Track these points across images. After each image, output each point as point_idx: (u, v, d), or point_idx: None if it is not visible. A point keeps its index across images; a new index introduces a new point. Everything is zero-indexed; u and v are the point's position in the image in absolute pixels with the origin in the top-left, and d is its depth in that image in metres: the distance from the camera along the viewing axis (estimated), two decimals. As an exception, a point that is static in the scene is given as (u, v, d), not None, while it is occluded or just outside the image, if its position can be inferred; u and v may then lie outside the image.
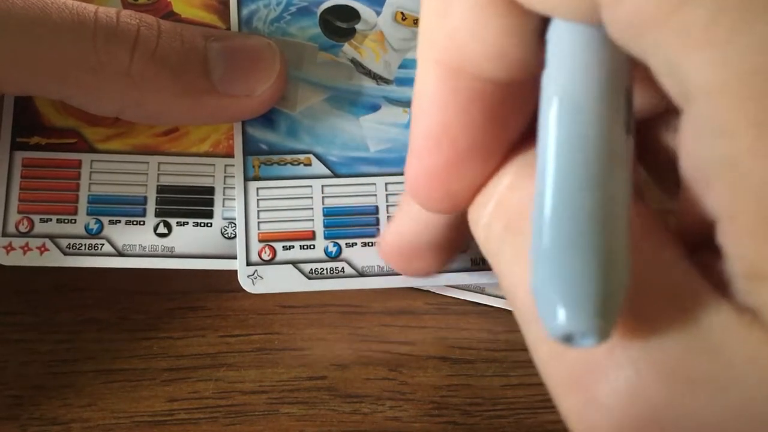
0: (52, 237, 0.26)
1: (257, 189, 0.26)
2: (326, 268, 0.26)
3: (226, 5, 0.27)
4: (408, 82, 0.27)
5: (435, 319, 0.29)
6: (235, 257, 0.26)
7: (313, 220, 0.26)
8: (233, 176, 0.26)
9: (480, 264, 0.26)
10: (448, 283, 0.27)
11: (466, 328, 0.28)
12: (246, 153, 0.26)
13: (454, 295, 0.29)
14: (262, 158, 0.26)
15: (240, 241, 0.26)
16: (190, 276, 0.29)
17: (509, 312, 0.29)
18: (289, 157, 0.26)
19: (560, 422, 0.27)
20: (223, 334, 0.28)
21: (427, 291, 0.29)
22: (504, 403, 0.27)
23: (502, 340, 0.28)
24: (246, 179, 0.26)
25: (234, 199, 0.26)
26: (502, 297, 0.29)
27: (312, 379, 0.27)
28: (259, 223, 0.26)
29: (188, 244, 0.26)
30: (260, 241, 0.26)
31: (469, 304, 0.29)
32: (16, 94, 0.26)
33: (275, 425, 0.26)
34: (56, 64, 0.23)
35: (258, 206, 0.26)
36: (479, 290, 0.29)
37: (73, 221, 0.26)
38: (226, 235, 0.26)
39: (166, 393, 0.27)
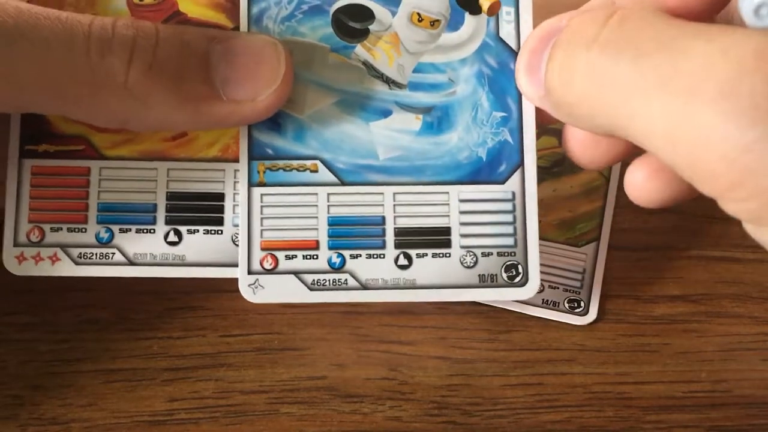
0: (63, 246, 0.25)
1: (261, 195, 0.25)
2: (329, 280, 0.25)
3: (236, 3, 0.25)
4: (422, 87, 0.26)
5: (435, 319, 0.29)
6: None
7: (317, 229, 0.25)
8: (239, 181, 0.25)
9: (488, 280, 0.26)
10: (453, 298, 0.26)
11: (465, 328, 0.28)
12: (251, 158, 0.25)
13: (453, 295, 0.29)
14: (268, 163, 0.25)
15: (242, 249, 0.25)
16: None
17: (509, 312, 0.29)
18: (295, 163, 0.25)
19: (559, 422, 0.27)
20: (223, 334, 0.28)
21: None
22: (504, 403, 0.27)
23: (501, 340, 0.28)
24: (250, 185, 0.25)
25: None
26: (501, 297, 0.29)
27: (312, 379, 0.27)
28: (262, 230, 0.25)
29: (199, 252, 0.26)
30: (263, 249, 0.25)
31: (469, 304, 0.29)
32: (12, 111, 0.25)
33: (275, 425, 0.26)
34: (49, 79, 0.22)
35: (262, 213, 0.25)
36: (479, 290, 0.29)
37: (83, 230, 0.25)
38: (236, 242, 0.26)
39: (166, 393, 0.27)
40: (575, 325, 0.28)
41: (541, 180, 0.32)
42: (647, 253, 0.30)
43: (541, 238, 0.30)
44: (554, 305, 0.29)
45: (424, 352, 0.28)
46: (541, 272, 0.29)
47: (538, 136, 0.32)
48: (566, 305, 0.29)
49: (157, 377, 0.27)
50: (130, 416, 0.26)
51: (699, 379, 0.28)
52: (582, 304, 0.29)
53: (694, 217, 0.32)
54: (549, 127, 0.34)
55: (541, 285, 0.29)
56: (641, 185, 0.23)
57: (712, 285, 0.30)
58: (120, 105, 0.23)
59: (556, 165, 0.32)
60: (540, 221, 0.30)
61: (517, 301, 0.29)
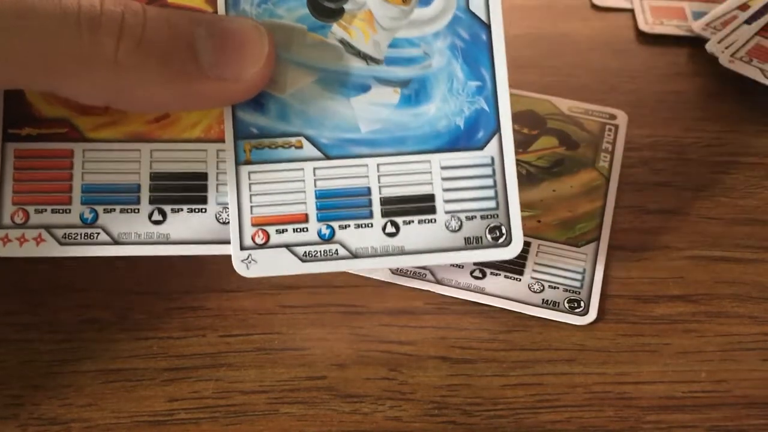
0: (47, 227, 0.26)
1: (249, 173, 0.26)
2: (320, 251, 0.26)
3: None
4: (398, 61, 0.26)
5: (435, 319, 0.29)
6: (230, 242, 0.26)
7: (305, 202, 0.26)
8: (225, 161, 0.26)
9: (473, 243, 0.26)
10: (441, 261, 0.27)
11: (465, 327, 0.28)
12: (237, 137, 0.26)
13: (453, 295, 0.29)
14: (253, 142, 0.26)
15: (233, 225, 0.26)
16: (191, 275, 0.29)
17: (509, 312, 0.29)
18: (280, 140, 0.26)
19: (559, 422, 0.27)
20: (223, 334, 0.28)
21: (427, 291, 0.29)
22: (504, 403, 0.27)
23: (501, 340, 0.28)
24: (237, 163, 0.26)
25: (227, 184, 0.26)
26: (501, 296, 0.29)
27: (312, 379, 0.27)
28: (251, 207, 0.26)
29: (183, 231, 0.26)
30: (253, 225, 0.26)
31: (469, 304, 0.29)
32: (2, 88, 0.26)
33: (275, 425, 0.26)
34: (41, 55, 0.23)
35: (250, 190, 0.26)
36: (479, 290, 0.29)
37: (67, 211, 0.26)
38: (221, 220, 0.26)
39: (166, 393, 0.27)
40: (575, 325, 0.28)
41: (540, 180, 0.32)
42: (647, 253, 0.30)
43: (541, 238, 0.30)
44: (554, 305, 0.29)
45: (424, 352, 0.28)
46: (541, 272, 0.29)
47: (538, 136, 0.32)
48: (566, 305, 0.29)
49: (157, 377, 0.27)
50: (130, 416, 0.26)
51: (699, 379, 0.28)
52: (582, 304, 0.29)
53: (694, 217, 0.32)
54: (548, 128, 0.34)
55: (541, 285, 0.29)
56: None
57: (712, 285, 0.30)
58: (108, 81, 0.24)
59: (556, 165, 0.32)
60: (540, 221, 0.30)
61: (517, 301, 0.29)
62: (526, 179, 0.30)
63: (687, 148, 0.33)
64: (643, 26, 0.40)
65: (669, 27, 0.40)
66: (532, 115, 0.33)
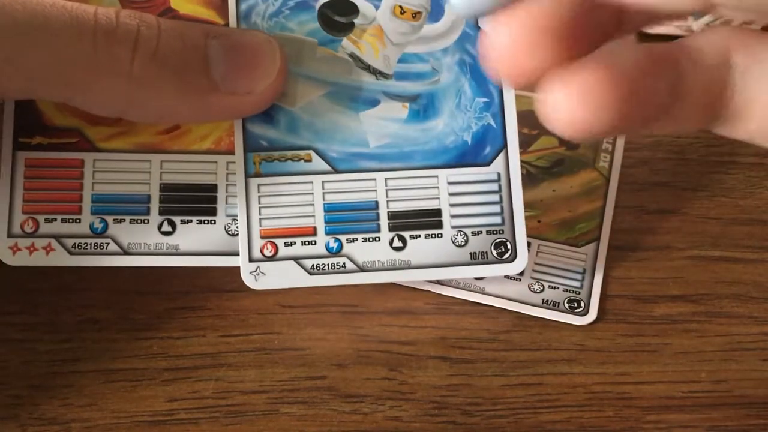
0: (57, 237, 0.26)
1: (258, 185, 0.26)
2: (327, 264, 0.26)
3: (225, 0, 0.26)
4: (407, 76, 0.27)
5: (435, 319, 0.29)
6: (239, 254, 0.26)
7: (314, 216, 0.26)
8: (235, 173, 0.26)
9: (478, 258, 0.26)
10: (446, 276, 0.27)
11: (465, 327, 0.28)
12: (246, 150, 0.26)
13: (453, 295, 0.29)
14: (263, 155, 0.26)
15: (242, 237, 0.26)
16: (191, 276, 0.29)
17: (509, 312, 0.29)
18: (289, 153, 0.26)
19: (559, 422, 0.27)
20: (223, 334, 0.28)
21: (427, 291, 0.29)
22: (504, 403, 0.27)
23: (501, 340, 0.28)
24: (247, 176, 0.26)
25: (236, 196, 0.26)
26: (501, 297, 0.29)
27: (312, 379, 0.27)
28: (260, 219, 0.26)
29: (193, 242, 0.26)
30: (262, 237, 0.26)
31: (469, 304, 0.29)
32: (18, 98, 0.26)
33: (275, 425, 0.26)
34: (57, 67, 0.23)
35: (259, 203, 0.26)
36: (479, 290, 0.29)
37: (77, 221, 0.26)
38: (230, 232, 0.26)
39: (166, 393, 0.27)
40: (575, 325, 0.28)
41: (540, 180, 0.32)
42: (647, 253, 0.30)
43: (541, 238, 0.30)
44: (554, 305, 0.29)
45: (424, 352, 0.28)
46: (541, 272, 0.29)
47: (538, 136, 0.32)
48: (566, 305, 0.29)
49: (157, 377, 0.27)
50: (129, 416, 0.26)
51: (699, 379, 0.28)
52: (582, 304, 0.29)
53: (694, 217, 0.31)
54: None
55: (541, 285, 0.29)
56: (568, 108, 0.17)
57: (712, 285, 0.30)
58: (122, 93, 0.24)
59: (556, 165, 0.32)
60: (540, 221, 0.30)
61: (517, 301, 0.29)
62: (526, 179, 0.30)
63: (687, 148, 0.33)
64: (643, 26, 0.40)
65: (669, 27, 0.40)
66: (532, 115, 0.33)
